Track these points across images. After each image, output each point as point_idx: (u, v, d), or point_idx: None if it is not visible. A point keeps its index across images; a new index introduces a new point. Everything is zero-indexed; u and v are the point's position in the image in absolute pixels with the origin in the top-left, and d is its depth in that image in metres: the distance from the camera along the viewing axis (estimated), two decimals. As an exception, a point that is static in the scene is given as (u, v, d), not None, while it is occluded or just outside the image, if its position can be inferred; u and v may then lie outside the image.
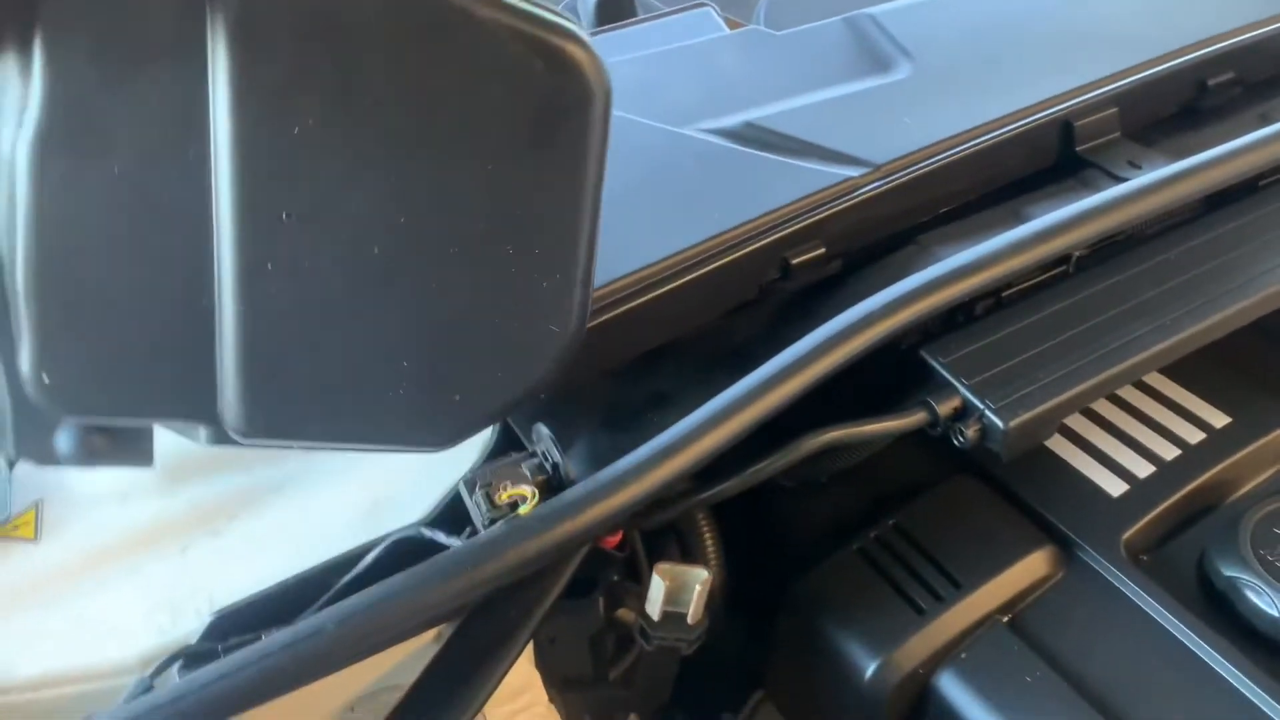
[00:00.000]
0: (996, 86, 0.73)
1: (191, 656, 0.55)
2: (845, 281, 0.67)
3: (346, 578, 0.58)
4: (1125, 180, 0.69)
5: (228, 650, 0.55)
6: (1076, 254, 0.65)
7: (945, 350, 0.60)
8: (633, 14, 0.86)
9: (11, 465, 0.61)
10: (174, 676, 0.55)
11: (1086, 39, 0.77)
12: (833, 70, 0.75)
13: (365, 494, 0.64)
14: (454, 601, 0.50)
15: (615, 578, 0.63)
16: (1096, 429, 0.67)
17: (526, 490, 0.53)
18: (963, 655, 0.58)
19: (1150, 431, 0.66)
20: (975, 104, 0.71)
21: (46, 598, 0.58)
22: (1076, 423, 0.68)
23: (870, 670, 0.59)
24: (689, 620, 0.57)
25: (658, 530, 0.63)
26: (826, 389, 0.55)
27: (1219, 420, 0.66)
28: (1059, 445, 0.66)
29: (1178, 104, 0.77)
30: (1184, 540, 0.62)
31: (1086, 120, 0.72)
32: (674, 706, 0.74)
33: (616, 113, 0.70)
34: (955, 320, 0.64)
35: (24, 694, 0.55)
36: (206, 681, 0.45)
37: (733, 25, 0.84)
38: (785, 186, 0.66)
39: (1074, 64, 0.74)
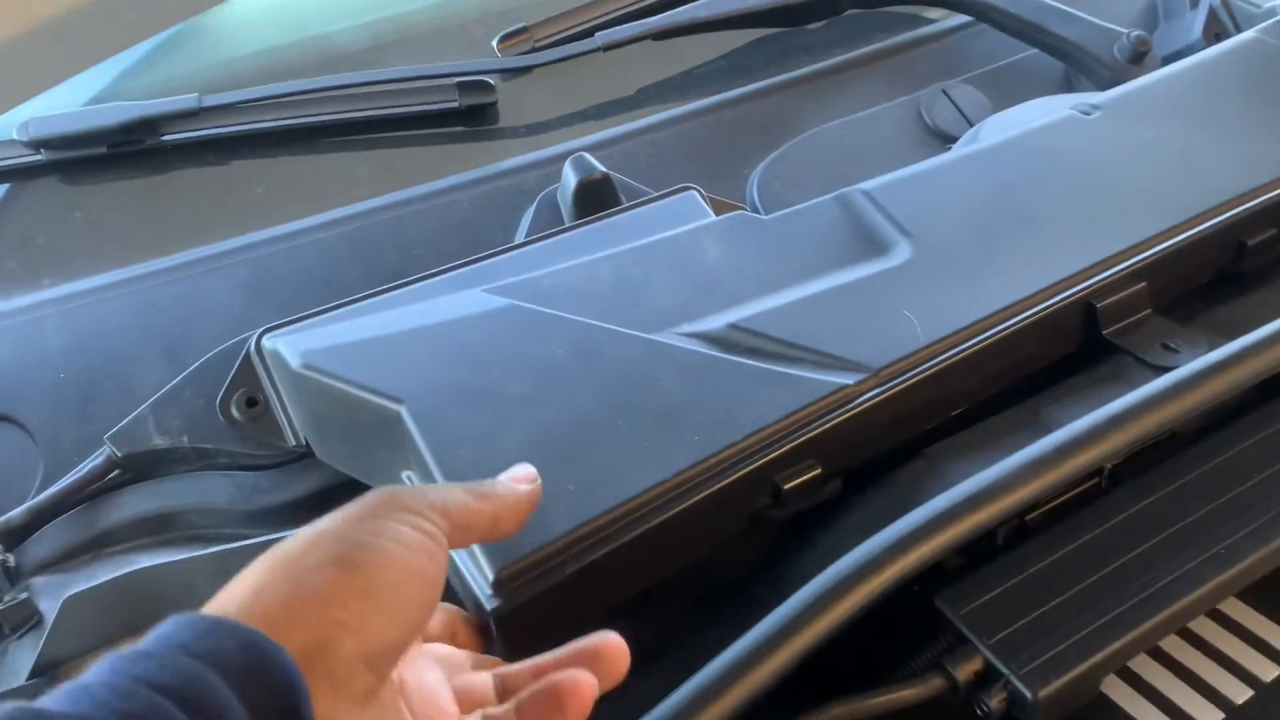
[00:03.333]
0: (1007, 266, 0.67)
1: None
2: (846, 505, 0.60)
3: None
4: (1159, 368, 0.63)
5: None
6: (1110, 464, 0.58)
7: (962, 598, 0.53)
8: (614, 201, 0.81)
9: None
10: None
11: (1105, 205, 0.71)
12: (825, 257, 0.69)
13: None
14: None
15: None
16: (1152, 664, 0.58)
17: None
18: None
19: (1216, 668, 0.57)
20: (983, 289, 0.65)
21: None
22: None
23: None
24: None
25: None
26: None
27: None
28: (1107, 685, 0.58)
29: (1214, 269, 0.71)
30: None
31: (1111, 300, 0.66)
32: None
33: (591, 321, 0.66)
34: (974, 549, 0.56)
35: None
36: None
37: (720, 208, 0.79)
38: (773, 400, 0.60)
39: (1093, 234, 0.68)
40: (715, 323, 0.65)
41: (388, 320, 0.68)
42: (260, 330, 0.69)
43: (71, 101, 0.89)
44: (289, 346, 0.67)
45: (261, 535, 0.66)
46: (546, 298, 0.68)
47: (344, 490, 0.66)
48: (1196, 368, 0.58)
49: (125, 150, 0.88)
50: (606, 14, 0.95)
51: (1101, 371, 0.64)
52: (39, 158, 0.88)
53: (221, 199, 0.88)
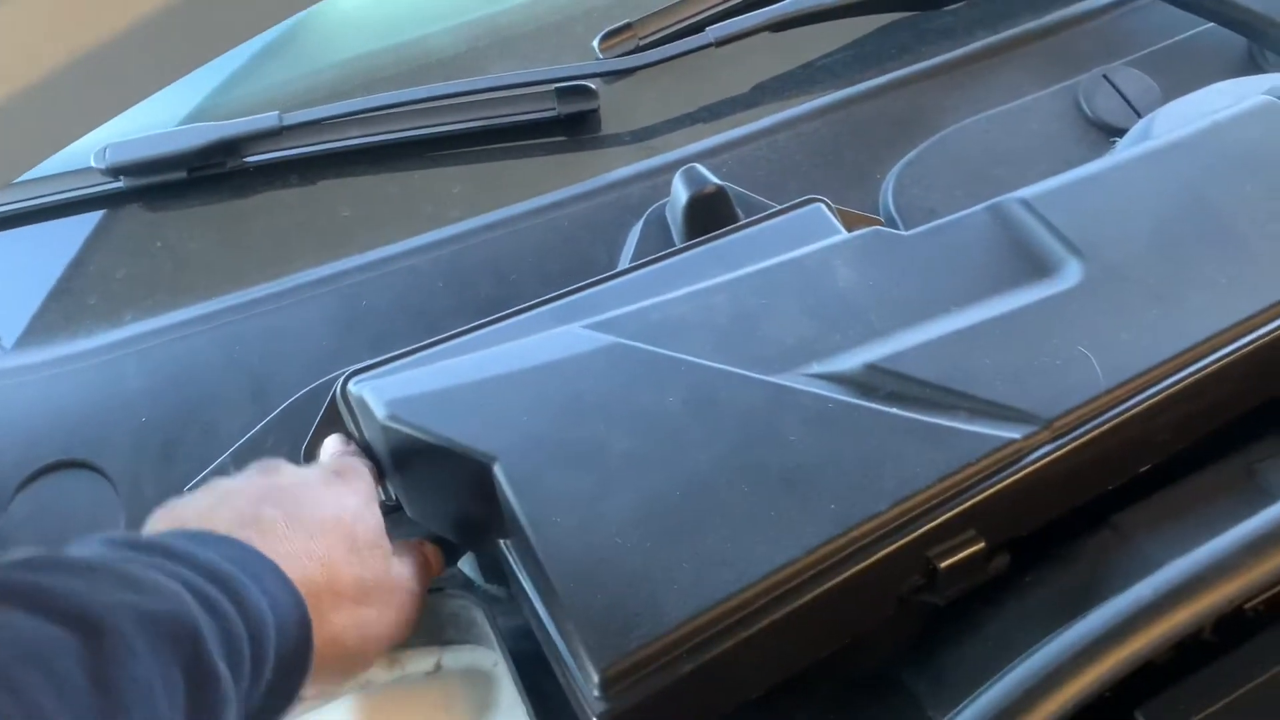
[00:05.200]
0: (1201, 290, 0.57)
1: None
2: (1017, 586, 0.51)
3: None
4: (1405, 414, 0.52)
5: None
6: (1350, 539, 0.47)
7: (1171, 712, 0.43)
8: (731, 217, 0.73)
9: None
10: None
11: (1319, 210, 0.60)
12: (978, 281, 0.60)
13: None
14: None
15: None
16: None
17: None
18: None
19: None
20: (1174, 318, 0.55)
21: None
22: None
23: None
24: None
25: None
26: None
27: None
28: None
29: None
30: None
31: (1336, 328, 0.55)
32: None
33: (707, 363, 0.58)
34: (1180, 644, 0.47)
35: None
36: None
37: (851, 221, 0.70)
38: (924, 458, 0.51)
39: (1306, 248, 0.58)
40: (851, 362, 0.57)
41: (480, 363, 0.61)
42: (347, 372, 0.63)
43: (148, 125, 0.85)
44: (375, 394, 0.61)
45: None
46: (655, 334, 0.60)
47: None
48: None
49: (206, 174, 0.84)
50: (717, 5, 0.87)
51: (1328, 417, 0.53)
52: (118, 185, 0.84)
53: (307, 223, 0.83)
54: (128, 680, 0.36)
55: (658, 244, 0.74)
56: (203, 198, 0.85)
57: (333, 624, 0.49)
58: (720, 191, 0.73)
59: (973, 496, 0.50)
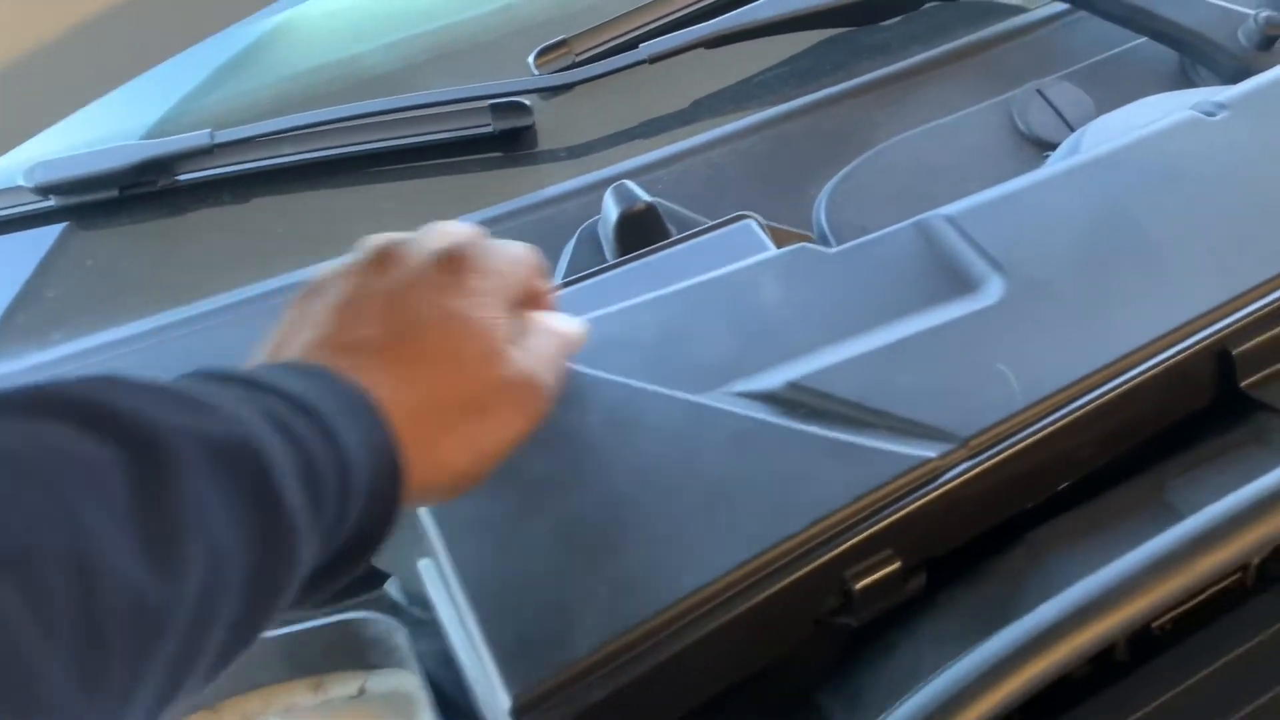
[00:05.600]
0: (1120, 307, 0.57)
1: None
2: (932, 606, 0.51)
3: None
4: (1317, 429, 0.52)
5: None
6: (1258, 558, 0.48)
7: (1079, 732, 0.43)
8: (663, 233, 0.73)
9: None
10: None
11: (1238, 226, 0.60)
12: (901, 298, 0.60)
13: None
14: None
15: None
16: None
17: None
18: None
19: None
20: (1093, 335, 0.56)
21: None
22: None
23: None
24: None
25: None
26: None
27: None
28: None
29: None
30: None
31: (1250, 344, 0.56)
32: None
33: (627, 381, 0.58)
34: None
35: None
36: None
37: (782, 238, 0.71)
38: (840, 477, 0.51)
39: (1225, 264, 0.58)
40: (773, 380, 0.57)
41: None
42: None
43: (79, 144, 0.84)
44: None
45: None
46: (581, 353, 0.60)
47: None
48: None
49: (138, 193, 0.83)
50: (653, 21, 0.87)
51: (1239, 434, 0.54)
52: (48, 204, 0.83)
53: (241, 241, 0.82)
54: (181, 500, 0.35)
55: (590, 261, 0.74)
56: (134, 216, 0.84)
57: (438, 449, 0.46)
58: (650, 208, 0.73)
59: (889, 516, 0.50)
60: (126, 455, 0.34)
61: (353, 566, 0.44)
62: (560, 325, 0.54)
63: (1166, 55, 0.89)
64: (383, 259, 0.51)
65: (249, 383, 0.41)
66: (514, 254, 0.53)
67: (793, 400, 0.55)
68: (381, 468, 0.43)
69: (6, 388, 0.35)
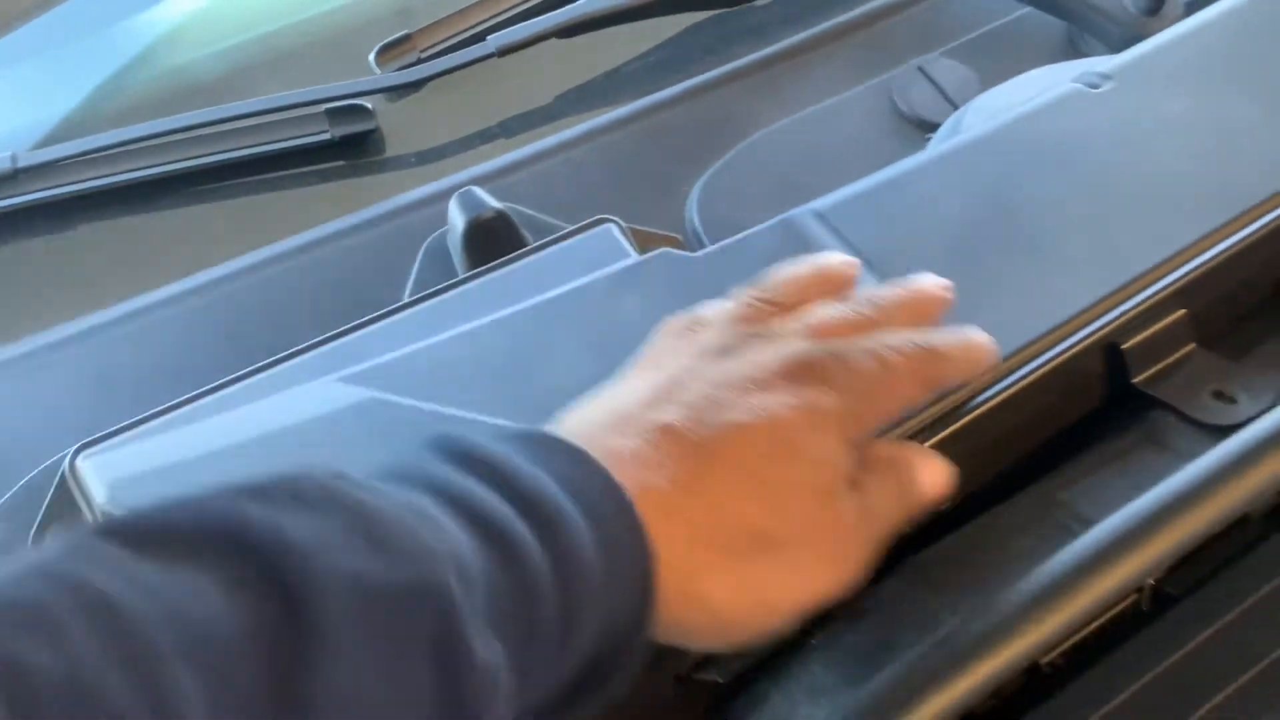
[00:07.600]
0: (999, 302, 0.53)
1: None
2: (804, 651, 0.46)
3: None
4: (1212, 426, 0.48)
5: None
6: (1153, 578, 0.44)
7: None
8: (518, 242, 0.68)
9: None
10: None
11: (1125, 208, 0.57)
12: (767, 303, 0.56)
13: None
14: None
15: None
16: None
17: None
18: None
19: None
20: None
21: None
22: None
23: None
24: None
25: None
26: None
27: None
28: None
29: (1274, 283, 0.56)
30: None
31: (1141, 336, 0.51)
32: None
33: (465, 415, 0.53)
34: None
35: None
36: None
37: (646, 241, 0.66)
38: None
39: (1111, 249, 0.54)
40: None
41: (221, 428, 0.56)
42: (75, 447, 0.56)
43: None
44: (97, 473, 0.55)
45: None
46: (417, 384, 0.55)
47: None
48: (1267, 426, 0.45)
49: (-66, 226, 0.76)
50: (503, 12, 0.82)
51: (1133, 436, 0.49)
52: None
53: (53, 274, 0.76)
54: (320, 690, 0.28)
55: (439, 277, 0.68)
56: (-68, 254, 0.77)
57: (705, 586, 0.38)
58: (501, 215, 0.67)
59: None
60: (260, 620, 0.28)
61: (590, 699, 0.38)
62: (919, 475, 0.44)
63: (1054, 25, 0.85)
64: (731, 327, 0.46)
65: (493, 473, 0.36)
66: (895, 362, 0.44)
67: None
68: (627, 593, 0.36)
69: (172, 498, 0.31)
